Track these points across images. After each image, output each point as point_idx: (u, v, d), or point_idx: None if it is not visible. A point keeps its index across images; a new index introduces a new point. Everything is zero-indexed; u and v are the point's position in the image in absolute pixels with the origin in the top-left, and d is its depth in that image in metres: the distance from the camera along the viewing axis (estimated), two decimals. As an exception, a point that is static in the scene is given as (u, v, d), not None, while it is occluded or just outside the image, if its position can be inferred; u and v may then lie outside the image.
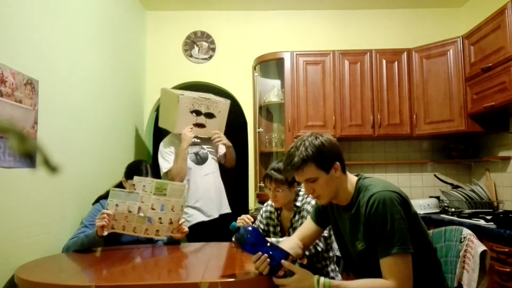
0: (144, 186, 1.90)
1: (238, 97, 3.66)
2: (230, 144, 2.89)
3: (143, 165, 2.20)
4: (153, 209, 1.91)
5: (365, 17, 3.70)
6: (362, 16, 3.71)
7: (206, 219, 2.74)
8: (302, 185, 1.94)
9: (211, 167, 2.85)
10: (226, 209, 2.89)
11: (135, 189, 1.90)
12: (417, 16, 3.68)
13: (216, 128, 2.87)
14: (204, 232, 2.63)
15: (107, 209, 1.87)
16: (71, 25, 2.25)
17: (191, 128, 2.75)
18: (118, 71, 2.99)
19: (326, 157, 1.37)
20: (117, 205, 1.88)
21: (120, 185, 2.18)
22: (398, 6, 3.67)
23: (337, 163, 1.39)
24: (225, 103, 2.93)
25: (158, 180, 1.95)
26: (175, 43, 3.69)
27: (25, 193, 1.79)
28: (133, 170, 2.12)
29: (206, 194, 2.77)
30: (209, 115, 2.85)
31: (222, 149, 2.95)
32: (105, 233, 1.85)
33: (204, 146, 2.88)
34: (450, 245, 1.53)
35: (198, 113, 2.81)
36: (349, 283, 1.28)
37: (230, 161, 2.95)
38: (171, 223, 1.97)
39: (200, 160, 2.82)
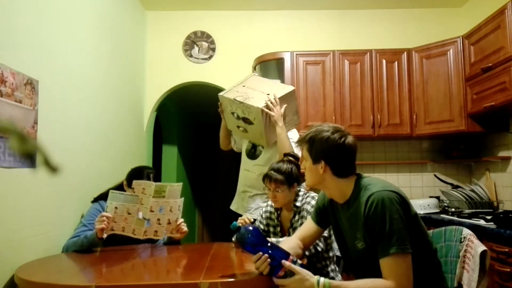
0: (143, 189, 1.89)
1: (238, 97, 3.66)
2: (279, 122, 2.18)
3: (145, 174, 2.13)
4: (152, 211, 1.91)
5: (365, 17, 3.70)
6: (362, 16, 3.70)
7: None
8: (302, 185, 1.96)
9: (253, 167, 2.51)
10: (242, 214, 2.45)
11: (134, 192, 1.90)
12: (417, 16, 3.68)
13: (258, 136, 2.32)
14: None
15: (106, 211, 1.86)
16: (71, 25, 2.25)
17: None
18: (118, 71, 2.99)
19: (315, 151, 1.42)
20: (116, 207, 1.87)
21: (120, 186, 2.17)
22: (398, 6, 3.67)
23: (323, 163, 1.39)
24: (257, 109, 2.16)
25: (158, 183, 1.92)
26: (175, 43, 3.69)
27: (25, 193, 1.79)
28: (134, 178, 2.01)
29: (239, 187, 2.61)
30: (247, 121, 2.29)
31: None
32: (105, 236, 1.85)
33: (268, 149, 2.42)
34: (450, 245, 1.53)
35: (237, 116, 2.32)
36: (349, 283, 1.28)
37: (279, 148, 2.22)
38: (169, 223, 1.97)
39: (251, 154, 2.54)
